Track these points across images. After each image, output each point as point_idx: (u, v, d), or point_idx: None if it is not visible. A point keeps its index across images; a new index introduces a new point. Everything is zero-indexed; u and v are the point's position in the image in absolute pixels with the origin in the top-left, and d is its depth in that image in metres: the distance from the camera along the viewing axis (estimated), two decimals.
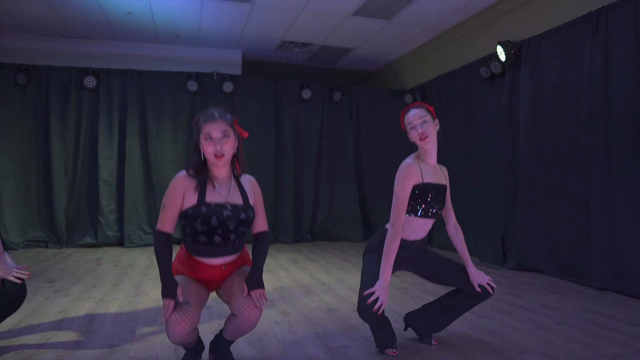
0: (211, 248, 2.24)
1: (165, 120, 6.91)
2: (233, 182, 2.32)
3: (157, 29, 7.11)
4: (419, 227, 2.68)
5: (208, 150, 2.18)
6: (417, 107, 2.67)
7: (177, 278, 2.27)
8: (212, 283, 2.35)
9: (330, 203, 7.49)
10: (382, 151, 7.73)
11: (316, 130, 7.48)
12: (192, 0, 6.09)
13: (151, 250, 6.38)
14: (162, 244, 2.21)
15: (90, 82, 6.62)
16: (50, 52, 7.18)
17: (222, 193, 2.25)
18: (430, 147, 2.68)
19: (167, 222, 2.19)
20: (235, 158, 2.31)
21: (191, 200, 2.18)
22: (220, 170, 2.26)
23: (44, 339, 2.82)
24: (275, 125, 7.27)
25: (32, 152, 6.51)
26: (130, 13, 6.49)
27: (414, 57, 7.86)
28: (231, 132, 2.22)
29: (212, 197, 2.21)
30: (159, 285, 4.19)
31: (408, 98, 7.60)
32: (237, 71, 7.87)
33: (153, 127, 6.85)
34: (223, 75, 7.02)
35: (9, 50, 7.02)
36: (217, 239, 2.21)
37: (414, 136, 2.67)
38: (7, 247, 6.23)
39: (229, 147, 2.20)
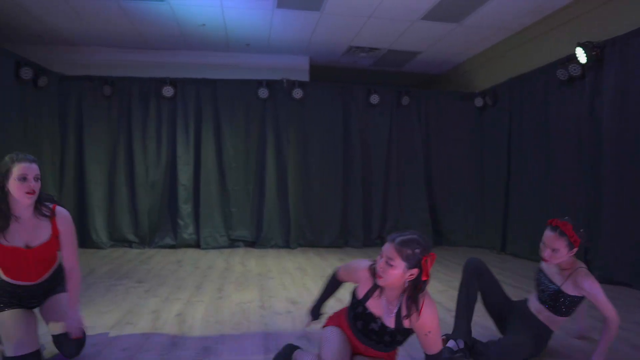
0: None
1: (238, 126, 7.15)
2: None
3: (229, 38, 7.38)
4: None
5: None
6: (560, 233, 2.62)
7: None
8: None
9: (399, 208, 7.47)
10: (452, 156, 7.62)
11: (384, 135, 7.48)
12: (264, 10, 6.28)
13: (228, 252, 6.63)
14: None
15: (168, 91, 6.97)
16: (131, 64, 7.63)
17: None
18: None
19: None
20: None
21: None
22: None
23: (143, 338, 3.02)
24: (343, 130, 7.34)
25: (117, 159, 6.94)
26: (204, 25, 6.78)
27: (484, 58, 7.69)
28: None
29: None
30: (240, 289, 4.37)
31: (478, 101, 7.44)
32: (305, 77, 8.02)
33: (227, 134, 7.11)
34: (292, 82, 7.17)
35: (95, 64, 7.54)
36: None
37: (542, 248, 2.70)
38: (96, 247, 6.70)
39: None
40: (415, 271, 2.04)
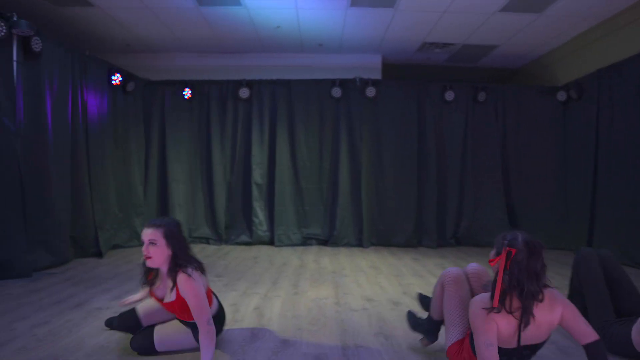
0: None
1: (312, 126, 7.24)
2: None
3: (302, 39, 7.49)
4: None
5: None
6: None
7: None
8: None
9: (475, 208, 7.22)
10: (531, 153, 7.25)
11: (460, 132, 7.26)
12: (337, 10, 6.31)
13: (301, 250, 6.73)
14: None
15: (244, 92, 7.19)
16: (210, 68, 7.95)
17: None
18: None
19: None
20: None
21: None
22: None
23: (224, 330, 3.12)
24: (417, 128, 7.20)
25: (197, 159, 7.26)
26: (279, 27, 6.93)
27: (567, 50, 7.25)
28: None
29: None
30: (315, 285, 4.41)
31: (561, 95, 7.02)
32: (377, 75, 7.97)
33: (300, 133, 7.22)
34: (365, 80, 7.15)
35: (176, 69, 7.92)
36: None
37: None
38: None
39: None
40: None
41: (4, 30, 4.52)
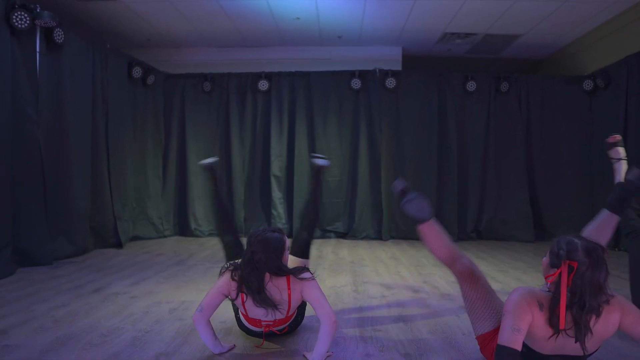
0: None
1: (331, 118, 7.17)
2: None
3: (321, 31, 7.43)
4: None
5: None
6: None
7: None
8: None
9: (497, 201, 7.06)
10: (556, 145, 7.04)
11: (482, 123, 7.10)
12: (357, 0, 6.23)
13: (319, 242, 6.67)
14: None
15: (263, 85, 7.17)
16: (230, 62, 7.93)
17: None
18: None
19: None
20: None
21: None
22: None
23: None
24: (438, 119, 7.07)
25: (215, 151, 7.25)
26: (298, 18, 6.88)
27: (595, 37, 7.02)
28: None
29: None
30: (334, 274, 4.36)
31: (587, 84, 6.81)
32: (397, 67, 7.85)
33: (319, 125, 7.16)
34: (385, 72, 7.05)
35: (196, 63, 7.91)
36: None
37: None
38: (195, 235, 7.05)
39: None
40: (555, 272, 1.92)
41: (28, 22, 4.57)
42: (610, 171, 6.25)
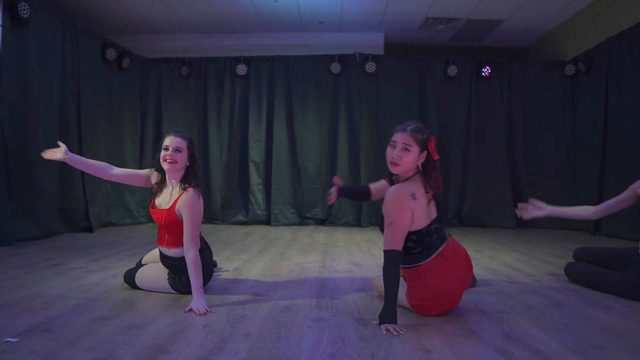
0: None
1: (310, 103, 7.04)
2: None
3: (302, 16, 7.30)
4: None
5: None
6: None
7: None
8: None
9: (479, 187, 6.95)
10: (538, 130, 6.95)
11: (463, 108, 7.00)
12: None
13: (297, 228, 6.54)
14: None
15: (241, 69, 7.03)
16: (209, 48, 7.77)
17: None
18: None
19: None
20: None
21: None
22: None
23: None
24: (419, 104, 6.96)
25: (193, 137, 7.09)
26: (276, 1, 6.75)
27: (577, 22, 6.94)
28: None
29: None
30: (304, 253, 4.23)
31: (569, 69, 6.73)
32: (380, 54, 7.75)
33: (298, 110, 7.03)
34: (365, 56, 6.94)
35: (175, 49, 7.75)
36: None
37: None
38: None
39: None
40: (424, 154, 2.29)
41: None
42: (592, 153, 6.21)
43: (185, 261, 2.58)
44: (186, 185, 2.64)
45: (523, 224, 6.84)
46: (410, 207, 2.23)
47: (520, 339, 2.02)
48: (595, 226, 6.09)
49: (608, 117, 5.99)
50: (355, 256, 4.18)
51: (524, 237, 5.71)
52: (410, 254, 2.28)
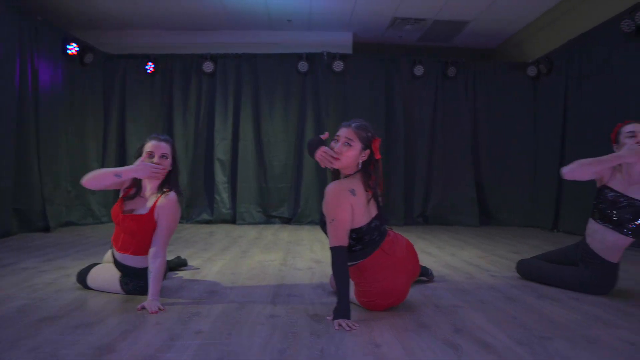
0: None
1: (277, 101, 7.01)
2: None
3: (270, 14, 7.26)
4: None
5: None
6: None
7: None
8: None
9: (444, 186, 7.05)
10: (502, 130, 7.10)
11: (429, 108, 7.09)
12: None
13: (262, 227, 6.51)
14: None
15: (208, 66, 6.95)
16: (176, 45, 7.63)
17: None
18: None
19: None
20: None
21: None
22: None
23: None
24: (386, 103, 7.02)
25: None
26: None
27: (540, 25, 7.11)
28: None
29: None
30: (266, 251, 4.21)
31: (531, 70, 6.90)
32: (348, 53, 7.77)
33: (265, 109, 7.00)
34: (333, 55, 6.95)
35: (141, 46, 7.56)
36: None
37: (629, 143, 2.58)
38: None
39: None
40: (367, 152, 2.30)
41: None
42: (552, 153, 6.37)
43: (145, 269, 2.50)
44: (165, 190, 2.54)
45: (486, 222, 7.00)
46: (349, 202, 2.23)
47: (469, 332, 2.05)
48: (553, 223, 6.25)
49: (567, 118, 6.15)
50: (317, 254, 4.18)
51: (486, 235, 5.81)
52: (351, 252, 2.28)
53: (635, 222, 2.57)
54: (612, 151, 2.71)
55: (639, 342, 1.96)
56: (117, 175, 2.49)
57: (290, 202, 6.93)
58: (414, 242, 2.69)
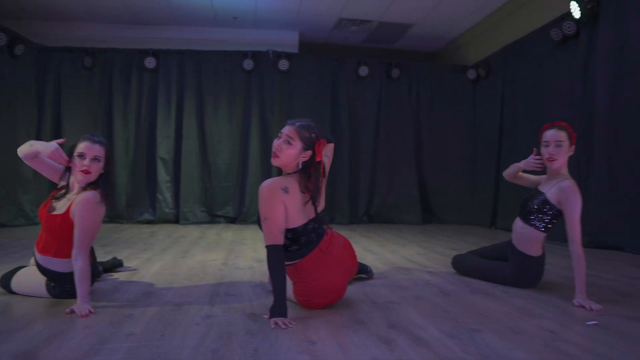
0: None
1: (222, 99, 6.91)
2: None
3: (216, 11, 7.15)
4: None
5: None
6: (559, 128, 2.72)
7: None
8: None
9: (387, 185, 7.19)
10: (444, 131, 7.33)
11: (374, 109, 7.21)
12: None
13: (206, 226, 6.40)
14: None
15: (150, 62, 6.76)
16: (117, 39, 7.38)
17: None
18: (556, 168, 2.74)
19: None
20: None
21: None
22: None
23: None
24: (331, 103, 7.08)
25: (96, 131, 6.71)
26: None
27: (479, 30, 7.40)
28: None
29: None
30: (208, 251, 4.13)
31: (471, 73, 7.16)
32: (294, 52, 7.77)
33: (209, 106, 6.88)
34: (279, 53, 6.93)
35: (79, 38, 7.25)
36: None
37: (543, 153, 2.74)
38: None
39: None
40: (309, 153, 2.25)
41: None
42: (490, 153, 6.64)
43: (69, 274, 2.40)
44: (86, 188, 2.42)
45: (429, 220, 7.21)
46: (281, 200, 2.20)
47: (404, 327, 2.10)
48: (491, 221, 6.52)
49: (503, 120, 6.43)
50: (260, 253, 4.15)
51: (428, 232, 5.98)
52: (287, 252, 2.27)
53: (541, 217, 2.73)
54: None
55: (558, 330, 2.07)
56: (31, 145, 2.40)
57: (236, 201, 6.85)
58: (357, 240, 2.74)
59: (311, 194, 2.27)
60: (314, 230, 2.31)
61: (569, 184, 2.63)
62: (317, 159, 2.27)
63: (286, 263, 2.29)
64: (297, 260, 2.29)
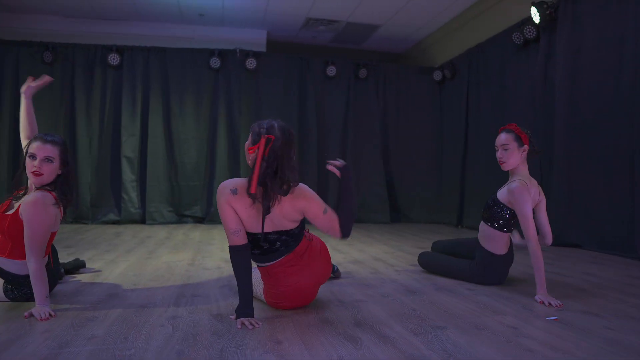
0: None
1: (188, 97, 6.82)
2: None
3: (181, 7, 7.04)
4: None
5: None
6: (507, 131, 2.80)
7: None
8: None
9: (356, 184, 7.22)
10: (411, 131, 7.44)
11: (341, 108, 7.25)
12: None
13: (173, 226, 6.30)
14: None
15: (114, 59, 6.60)
16: (79, 34, 7.19)
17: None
18: (509, 169, 2.82)
19: None
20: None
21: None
22: None
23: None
24: (299, 103, 7.08)
25: (58, 130, 6.51)
26: None
27: (444, 32, 7.54)
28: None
29: None
30: (174, 251, 4.07)
31: (437, 75, 7.29)
32: (262, 50, 7.73)
33: (176, 104, 6.78)
34: (246, 52, 6.89)
35: (39, 33, 7.04)
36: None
37: (497, 157, 2.83)
38: None
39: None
40: (254, 147, 2.10)
41: None
42: (455, 153, 6.77)
43: (28, 277, 2.32)
44: (39, 188, 2.33)
45: (397, 219, 7.30)
46: (228, 202, 2.10)
47: (369, 325, 2.12)
48: (458, 220, 6.66)
49: (468, 121, 6.57)
50: (227, 253, 4.11)
51: (395, 232, 6.05)
52: (252, 254, 2.23)
53: (496, 217, 2.83)
54: None
55: (519, 325, 2.13)
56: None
57: (203, 201, 6.77)
58: (325, 239, 2.73)
59: (263, 204, 2.10)
60: (284, 243, 2.22)
61: (517, 184, 2.69)
62: (259, 153, 2.06)
63: (258, 265, 2.28)
64: (267, 263, 2.26)
